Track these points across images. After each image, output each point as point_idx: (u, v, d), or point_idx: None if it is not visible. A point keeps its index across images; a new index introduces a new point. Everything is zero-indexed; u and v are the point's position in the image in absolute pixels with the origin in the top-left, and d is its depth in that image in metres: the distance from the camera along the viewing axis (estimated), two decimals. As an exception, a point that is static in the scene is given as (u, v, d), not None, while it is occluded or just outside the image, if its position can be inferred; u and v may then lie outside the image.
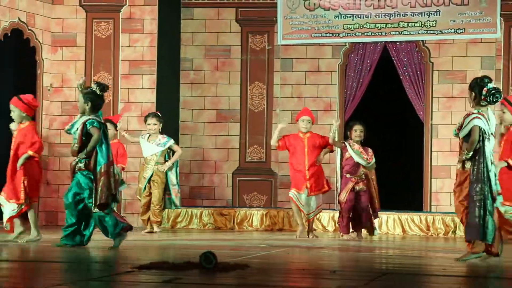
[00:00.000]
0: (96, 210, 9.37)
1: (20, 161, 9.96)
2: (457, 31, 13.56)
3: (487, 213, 8.23)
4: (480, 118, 8.15)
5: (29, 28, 13.27)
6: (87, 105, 9.37)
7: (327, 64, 14.29)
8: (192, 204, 14.08)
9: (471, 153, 8.17)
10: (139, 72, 13.62)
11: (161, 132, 12.14)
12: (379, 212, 12.08)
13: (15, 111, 10.14)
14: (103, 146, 9.49)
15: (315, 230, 12.48)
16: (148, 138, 12.10)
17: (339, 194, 11.57)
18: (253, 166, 14.46)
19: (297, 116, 12.00)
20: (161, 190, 11.96)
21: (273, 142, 11.81)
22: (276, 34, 14.25)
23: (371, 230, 11.67)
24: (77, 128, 9.45)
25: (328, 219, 13.06)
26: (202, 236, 12.12)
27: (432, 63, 13.91)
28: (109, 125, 11.90)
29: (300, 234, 11.65)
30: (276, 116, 14.34)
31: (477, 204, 8.22)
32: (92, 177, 9.42)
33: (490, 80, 8.27)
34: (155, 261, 7.31)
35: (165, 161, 12.03)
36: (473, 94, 8.27)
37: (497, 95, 8.19)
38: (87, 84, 10.23)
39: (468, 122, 8.20)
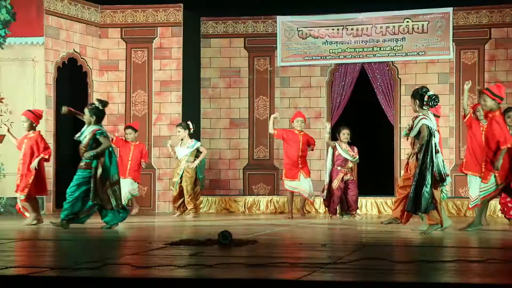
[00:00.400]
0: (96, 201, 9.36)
1: (35, 162, 9.96)
2: (419, 53, 13.78)
3: (422, 192, 8.29)
4: (426, 118, 8.37)
5: (81, 57, 13.43)
6: (93, 118, 9.50)
7: (316, 81, 14.43)
8: (211, 193, 14.17)
9: (423, 146, 8.32)
10: (168, 89, 13.71)
11: (191, 137, 12.03)
12: (359, 197, 12.03)
13: (27, 122, 10.17)
14: (114, 158, 9.61)
15: (308, 212, 12.76)
16: (181, 144, 11.95)
17: (331, 182, 11.58)
18: (259, 162, 14.56)
19: (292, 117, 12.17)
20: (190, 183, 11.80)
21: (270, 130, 11.95)
22: (276, 58, 14.39)
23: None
24: (85, 136, 9.46)
25: (319, 203, 12.94)
26: (220, 218, 12.03)
27: (400, 79, 14.01)
28: (130, 130, 12.33)
29: (291, 217, 11.73)
30: (277, 123, 13.71)
31: (415, 184, 8.34)
32: (91, 175, 9.35)
33: (428, 89, 8.51)
34: (183, 239, 7.30)
35: (194, 160, 11.89)
36: (417, 101, 8.46)
37: (437, 100, 8.44)
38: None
39: (417, 123, 8.40)
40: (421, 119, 8.44)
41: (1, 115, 12.53)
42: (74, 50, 13.36)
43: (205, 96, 14.86)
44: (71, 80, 13.49)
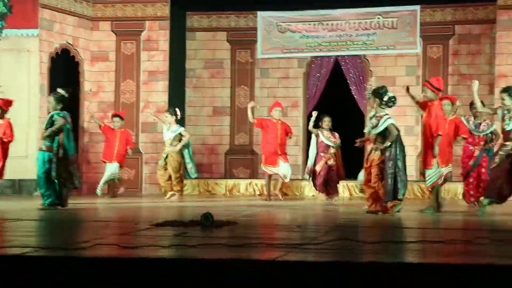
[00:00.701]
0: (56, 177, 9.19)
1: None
2: (389, 47, 13.83)
3: (398, 180, 8.47)
4: (391, 117, 8.56)
5: (74, 48, 13.39)
6: (58, 105, 9.41)
7: (294, 72, 14.47)
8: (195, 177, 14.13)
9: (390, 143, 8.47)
10: (155, 79, 13.66)
11: (177, 122, 12.09)
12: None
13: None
14: (71, 140, 9.47)
15: (285, 194, 12.69)
16: (168, 128, 12.00)
17: (315, 166, 11.51)
18: (240, 148, 14.60)
19: (270, 107, 12.07)
20: (174, 167, 11.82)
21: (250, 118, 11.76)
22: (256, 51, 14.43)
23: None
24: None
25: (303, 186, 13.15)
26: (202, 200, 12.00)
27: (371, 71, 14.07)
28: (118, 118, 12.26)
29: (267, 199, 11.70)
30: (257, 111, 14.03)
31: (389, 176, 8.47)
32: (52, 158, 9.22)
33: (387, 90, 8.66)
34: (168, 220, 7.23)
35: (177, 143, 11.89)
36: (377, 100, 8.61)
37: (395, 102, 8.63)
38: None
39: (384, 122, 8.52)
40: (387, 118, 8.60)
41: (-4, 103, 12.44)
42: (67, 41, 13.30)
43: (190, 86, 14.83)
44: (64, 69, 13.43)
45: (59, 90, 9.64)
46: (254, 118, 11.90)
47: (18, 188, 12.43)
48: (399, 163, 8.51)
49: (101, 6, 13.82)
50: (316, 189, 11.90)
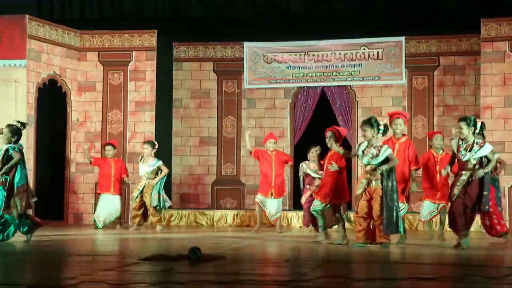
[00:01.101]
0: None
1: None
2: (374, 78, 13.81)
3: (395, 214, 8.52)
4: (389, 147, 8.67)
5: (61, 78, 13.27)
6: (14, 138, 9.27)
7: (280, 102, 14.45)
8: (182, 207, 14.11)
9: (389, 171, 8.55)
10: (142, 109, 13.57)
11: (155, 155, 11.89)
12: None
13: None
14: (23, 171, 9.28)
15: (283, 226, 12.38)
16: (143, 161, 11.89)
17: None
18: (227, 178, 14.49)
19: (265, 139, 11.80)
20: (150, 198, 11.67)
21: (248, 147, 11.44)
22: (243, 81, 14.37)
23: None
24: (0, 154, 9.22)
25: (292, 218, 13.05)
26: (189, 231, 11.83)
27: (357, 101, 14.07)
28: (110, 147, 12.22)
29: (257, 230, 11.42)
30: (243, 142, 14.16)
31: (394, 208, 8.50)
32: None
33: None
34: (155, 254, 7.15)
35: (155, 176, 11.79)
36: (374, 130, 8.60)
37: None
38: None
39: (384, 151, 8.55)
40: (387, 148, 8.66)
41: (-16, 133, 12.36)
42: (54, 72, 13.23)
43: (177, 116, 14.82)
44: (51, 99, 13.39)
45: (15, 122, 9.55)
46: (253, 147, 11.75)
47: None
48: (395, 195, 8.58)
49: (89, 36, 13.80)
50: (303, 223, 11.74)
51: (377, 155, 8.60)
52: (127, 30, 13.73)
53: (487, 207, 8.58)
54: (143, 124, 13.66)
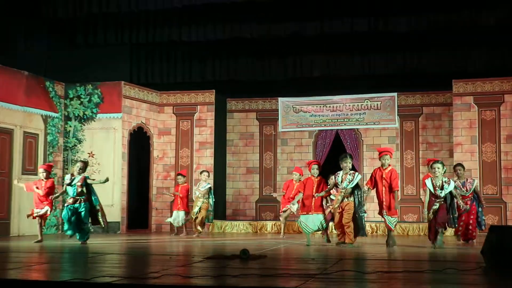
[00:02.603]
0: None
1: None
2: (375, 123, 13.72)
3: (362, 221, 8.81)
4: (359, 174, 8.99)
5: (146, 126, 13.46)
6: (82, 170, 9.41)
7: (305, 141, 14.38)
8: (234, 219, 14.01)
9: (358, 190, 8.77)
10: (204, 148, 13.62)
11: (206, 181, 11.55)
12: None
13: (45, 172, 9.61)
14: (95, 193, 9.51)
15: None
16: (198, 185, 11.57)
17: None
18: (266, 197, 14.37)
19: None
20: (204, 213, 11.36)
21: (277, 197, 10.87)
22: (278, 126, 14.35)
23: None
24: (78, 180, 9.29)
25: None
26: (240, 237, 11.61)
27: (362, 140, 14.00)
28: (180, 176, 11.92)
29: (283, 236, 11.14)
30: (278, 170, 14.35)
31: (363, 217, 8.76)
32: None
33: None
34: (215, 254, 7.17)
35: (209, 196, 11.41)
36: (350, 161, 8.94)
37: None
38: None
39: (356, 177, 8.80)
40: (358, 174, 8.94)
41: (93, 166, 12.59)
42: (141, 121, 13.42)
43: (229, 152, 14.82)
44: (139, 142, 13.53)
45: (84, 160, 9.81)
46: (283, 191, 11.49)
47: (106, 228, 12.36)
48: (362, 207, 8.82)
49: (166, 95, 13.98)
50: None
51: (351, 180, 8.75)
52: (194, 90, 13.86)
53: (453, 225, 8.83)
54: (205, 159, 13.70)
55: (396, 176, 9.14)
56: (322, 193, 9.27)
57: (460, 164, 10.00)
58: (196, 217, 11.46)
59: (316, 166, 9.57)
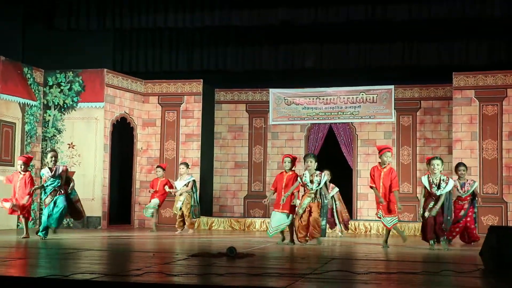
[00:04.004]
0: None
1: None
2: (370, 117, 13.72)
3: (323, 222, 9.02)
4: (326, 174, 9.24)
5: (130, 116, 13.40)
6: (56, 160, 9.36)
7: (297, 135, 14.38)
8: (220, 216, 14.04)
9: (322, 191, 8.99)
10: (191, 140, 13.60)
11: (189, 174, 11.65)
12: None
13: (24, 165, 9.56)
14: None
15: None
16: (180, 178, 11.58)
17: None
18: (255, 193, 14.39)
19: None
20: (188, 208, 11.36)
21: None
22: (268, 118, 14.34)
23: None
24: (62, 171, 9.35)
25: None
26: (226, 235, 11.65)
27: (357, 135, 13.98)
28: (159, 169, 11.93)
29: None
30: (268, 165, 14.36)
31: (324, 218, 9.02)
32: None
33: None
34: (200, 252, 7.15)
35: (192, 190, 11.39)
36: (315, 162, 9.07)
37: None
38: None
39: (323, 177, 8.96)
40: (325, 174, 9.12)
41: (73, 157, 12.56)
42: (124, 111, 13.37)
43: (217, 145, 14.81)
44: (121, 133, 13.49)
45: (54, 148, 9.97)
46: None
47: (86, 223, 12.40)
48: (324, 210, 9.10)
49: (151, 84, 13.94)
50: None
51: (319, 181, 8.94)
52: (180, 79, 13.82)
53: (447, 227, 8.72)
54: (191, 152, 13.67)
55: (396, 175, 9.11)
56: (286, 195, 9.15)
57: (462, 164, 9.92)
58: (181, 214, 11.44)
59: (288, 160, 9.41)
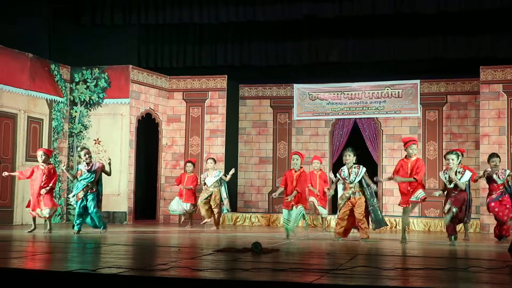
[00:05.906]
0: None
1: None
2: (396, 112, 13.65)
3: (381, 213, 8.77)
4: (363, 167, 8.81)
5: (155, 112, 13.47)
6: (90, 156, 9.61)
7: (322, 131, 14.31)
8: (245, 211, 14.04)
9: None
10: (215, 136, 13.64)
11: (215, 168, 11.51)
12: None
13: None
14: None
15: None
16: (207, 174, 11.46)
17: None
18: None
19: (312, 160, 11.52)
20: (217, 203, 11.31)
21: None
22: (293, 114, 14.31)
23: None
24: (98, 167, 9.56)
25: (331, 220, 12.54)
26: (252, 230, 11.54)
27: (382, 130, 13.90)
28: (190, 164, 11.75)
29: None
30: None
31: (377, 208, 8.69)
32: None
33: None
34: (226, 247, 7.14)
35: (221, 184, 11.40)
36: (355, 157, 8.84)
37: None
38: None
39: (361, 170, 8.73)
40: (363, 167, 8.83)
41: (99, 153, 12.68)
42: (150, 107, 13.44)
43: (241, 141, 14.82)
44: (147, 128, 13.56)
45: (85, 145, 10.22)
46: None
47: (112, 218, 12.53)
48: (376, 200, 8.78)
49: (175, 80, 14.00)
50: None
51: (357, 174, 8.71)
52: (204, 75, 13.85)
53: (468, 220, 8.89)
54: (216, 147, 13.72)
55: (422, 166, 8.82)
56: (294, 194, 9.17)
57: (496, 155, 9.66)
58: (209, 207, 11.34)
59: (296, 157, 9.40)
